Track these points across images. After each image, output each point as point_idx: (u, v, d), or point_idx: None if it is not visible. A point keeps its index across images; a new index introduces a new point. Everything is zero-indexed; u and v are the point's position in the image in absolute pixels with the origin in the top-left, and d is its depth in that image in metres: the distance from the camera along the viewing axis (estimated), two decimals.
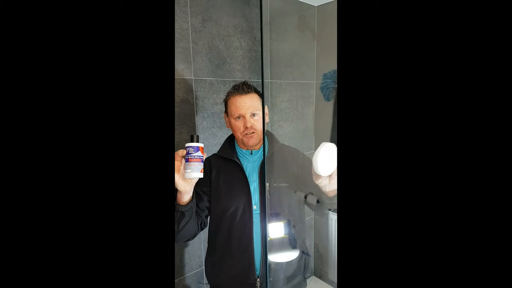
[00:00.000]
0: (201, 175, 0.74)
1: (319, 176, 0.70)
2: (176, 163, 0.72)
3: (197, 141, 0.74)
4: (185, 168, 0.73)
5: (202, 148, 0.74)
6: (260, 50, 1.42)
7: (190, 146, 0.73)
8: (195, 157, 0.72)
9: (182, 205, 0.77)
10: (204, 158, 0.74)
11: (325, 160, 0.67)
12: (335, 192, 0.77)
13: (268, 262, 0.85)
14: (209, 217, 0.95)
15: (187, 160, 0.73)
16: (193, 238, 0.87)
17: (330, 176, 0.71)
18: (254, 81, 1.42)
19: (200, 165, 0.73)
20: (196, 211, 0.87)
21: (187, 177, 0.73)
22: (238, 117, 0.87)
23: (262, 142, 0.94)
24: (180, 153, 0.73)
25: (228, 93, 0.91)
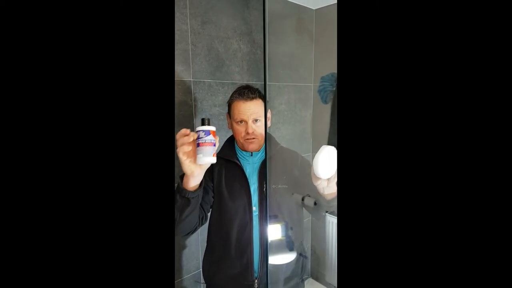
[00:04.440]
0: (213, 160, 0.70)
1: (318, 178, 0.70)
2: (186, 147, 0.68)
3: (208, 124, 0.70)
4: (196, 153, 0.69)
5: (214, 131, 0.70)
6: (258, 53, 1.43)
7: (201, 130, 0.69)
8: (206, 141, 0.69)
9: (189, 191, 0.74)
10: (216, 142, 0.71)
11: (326, 163, 0.68)
12: (333, 195, 0.77)
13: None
14: (209, 215, 0.95)
15: (198, 145, 0.69)
16: (192, 232, 0.86)
17: (328, 179, 0.71)
18: (253, 83, 1.42)
19: (212, 149, 0.69)
20: (201, 204, 0.86)
21: (199, 163, 0.69)
22: (240, 122, 0.88)
23: (262, 144, 0.95)
24: (191, 137, 0.68)
25: (232, 96, 0.90)
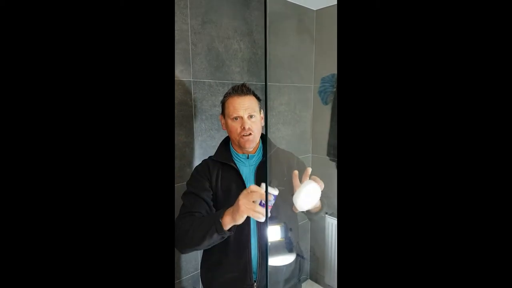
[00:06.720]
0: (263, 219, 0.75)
1: (296, 209, 0.74)
2: (251, 204, 0.71)
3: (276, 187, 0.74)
4: (258, 211, 0.72)
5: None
6: (259, 53, 1.42)
7: (273, 195, 0.73)
8: (271, 205, 0.73)
9: (226, 232, 0.77)
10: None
11: (306, 199, 0.72)
12: (317, 209, 0.82)
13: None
14: None
15: (261, 204, 0.71)
16: None
17: None
18: (253, 83, 1.42)
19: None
20: (195, 214, 0.87)
21: (258, 220, 0.72)
22: (236, 118, 0.87)
23: (258, 146, 0.94)
24: (258, 192, 0.72)
25: (226, 94, 0.91)
